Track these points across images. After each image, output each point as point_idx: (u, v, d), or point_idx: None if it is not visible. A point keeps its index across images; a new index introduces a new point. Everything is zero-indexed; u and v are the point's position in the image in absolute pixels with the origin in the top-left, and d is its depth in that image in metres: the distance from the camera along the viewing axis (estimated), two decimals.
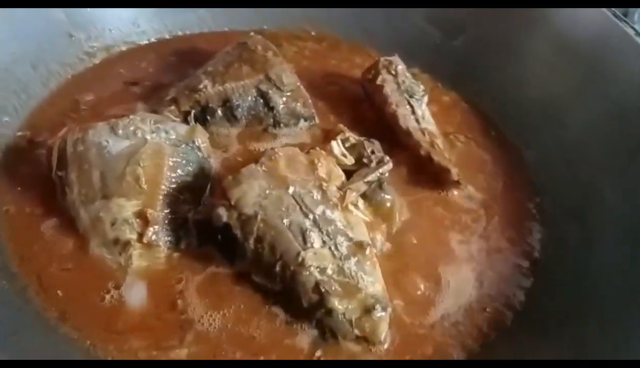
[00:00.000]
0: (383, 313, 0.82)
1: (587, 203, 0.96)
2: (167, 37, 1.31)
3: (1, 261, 0.82)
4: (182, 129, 0.96)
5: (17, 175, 0.94)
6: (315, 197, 0.89)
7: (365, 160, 0.99)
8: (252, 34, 1.22)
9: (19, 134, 1.01)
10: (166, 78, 1.19)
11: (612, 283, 0.83)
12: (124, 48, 1.25)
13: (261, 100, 1.10)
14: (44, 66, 1.12)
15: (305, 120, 1.13)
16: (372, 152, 1.00)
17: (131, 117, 0.91)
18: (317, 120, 1.14)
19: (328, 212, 0.88)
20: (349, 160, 0.99)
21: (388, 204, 0.98)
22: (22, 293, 0.79)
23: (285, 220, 0.85)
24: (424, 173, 1.06)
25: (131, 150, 0.89)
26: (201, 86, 1.08)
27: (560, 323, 0.81)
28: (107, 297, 0.80)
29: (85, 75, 1.17)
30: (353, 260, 0.85)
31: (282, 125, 1.11)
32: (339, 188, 0.93)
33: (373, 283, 0.85)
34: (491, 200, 1.04)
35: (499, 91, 1.24)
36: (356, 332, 0.81)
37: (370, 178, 0.95)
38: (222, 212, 0.85)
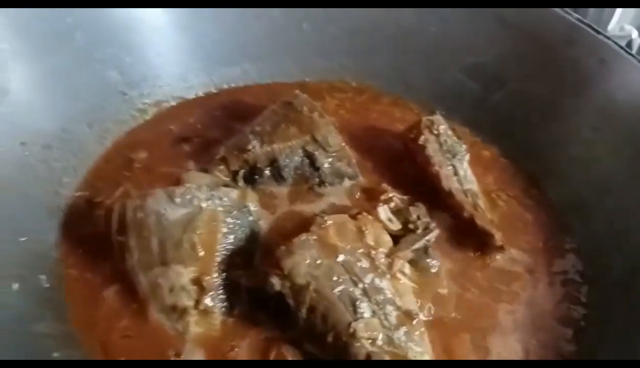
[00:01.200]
0: None
1: (635, 273, 0.97)
2: (214, 90, 1.35)
3: (66, 327, 0.85)
4: (235, 194, 0.99)
5: (79, 236, 0.98)
6: (363, 266, 0.91)
7: (411, 226, 1.02)
8: (296, 91, 1.25)
9: (78, 194, 1.05)
10: (214, 134, 1.23)
11: None
12: (173, 103, 1.29)
13: (307, 161, 1.13)
14: (98, 125, 1.16)
15: (350, 178, 1.15)
16: (418, 218, 1.02)
17: (187, 185, 0.95)
18: (360, 178, 1.16)
19: (377, 281, 0.91)
20: (395, 226, 1.02)
21: (434, 270, 1.00)
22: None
23: (336, 291, 0.88)
24: (466, 234, 1.07)
25: (188, 217, 0.93)
26: (250, 146, 1.12)
27: None
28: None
29: (138, 132, 1.21)
30: (402, 330, 0.87)
31: (326, 184, 1.14)
32: (387, 256, 0.95)
33: (422, 354, 0.87)
34: (534, 263, 1.06)
35: (540, 148, 1.25)
36: None
37: (417, 245, 0.97)
38: (276, 282, 0.88)
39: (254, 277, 0.93)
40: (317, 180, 1.14)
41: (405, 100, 1.40)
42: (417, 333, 0.89)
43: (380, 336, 0.86)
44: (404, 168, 1.21)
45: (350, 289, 0.88)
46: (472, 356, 0.90)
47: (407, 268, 0.98)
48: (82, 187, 1.07)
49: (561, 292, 1.02)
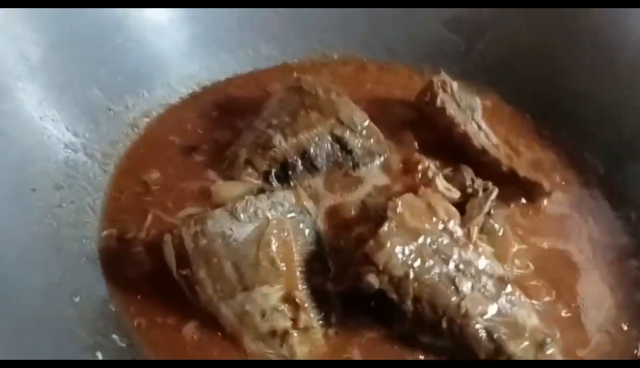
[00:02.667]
0: (554, 348, 0.83)
1: None
2: (197, 89, 1.23)
3: None
4: (290, 196, 0.91)
5: (128, 281, 0.87)
6: (446, 242, 0.88)
7: (469, 190, 0.99)
8: (295, 75, 1.18)
9: (105, 233, 0.93)
10: (220, 136, 1.13)
11: None
12: (161, 110, 1.16)
13: (337, 145, 1.06)
14: (97, 151, 1.03)
15: (379, 155, 1.11)
16: (472, 181, 1.00)
17: (246, 197, 0.86)
18: (389, 153, 1.12)
19: (463, 254, 0.88)
20: (455, 194, 0.99)
21: (500, 231, 0.98)
22: None
23: (433, 274, 0.84)
24: (508, 188, 1.07)
25: (258, 232, 0.84)
26: (274, 142, 1.03)
27: None
28: None
29: (138, 150, 1.08)
30: (503, 297, 0.86)
31: (360, 165, 1.08)
32: (461, 226, 0.92)
33: (529, 315, 0.86)
34: (578, 200, 1.07)
35: (537, 89, 1.26)
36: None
37: (486, 208, 0.95)
38: (373, 280, 0.82)
39: (343, 280, 0.86)
40: (350, 163, 1.08)
41: (393, 65, 1.35)
42: (515, 296, 0.87)
43: (488, 309, 0.83)
44: (423, 134, 1.17)
45: (445, 269, 0.85)
46: (562, 307, 0.90)
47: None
48: (106, 225, 0.94)
49: (613, 220, 1.04)
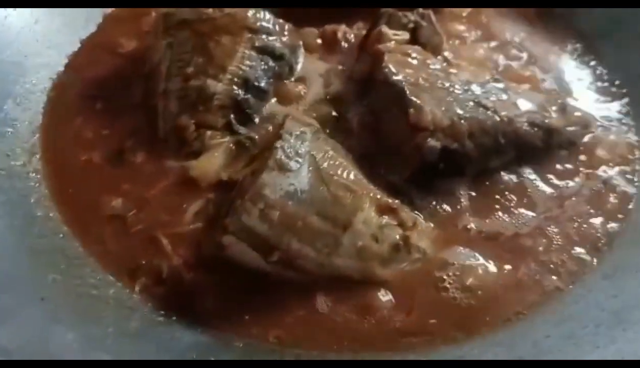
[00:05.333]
0: (564, 101, 0.92)
1: None
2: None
3: None
4: (294, 123, 0.81)
5: (223, 316, 0.72)
6: (442, 76, 0.90)
7: (411, 25, 0.98)
8: (153, 14, 1.01)
9: (138, 288, 0.74)
10: (132, 122, 0.93)
11: None
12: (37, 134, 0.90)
13: (267, 56, 0.96)
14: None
15: (299, 46, 1.03)
16: (406, 17, 0.99)
17: (277, 144, 0.74)
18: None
19: (460, 77, 0.91)
20: (404, 35, 0.97)
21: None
22: None
23: (463, 106, 0.85)
24: None
25: (314, 171, 0.75)
26: (211, 89, 0.89)
27: None
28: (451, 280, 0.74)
29: (67, 190, 0.85)
30: (510, 92, 0.91)
31: (294, 65, 1.00)
32: (435, 57, 0.94)
33: (531, 93, 0.95)
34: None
35: None
36: (576, 129, 0.91)
37: (439, 30, 0.98)
38: (433, 142, 0.81)
39: (405, 163, 0.83)
40: (287, 68, 0.98)
41: None
42: (511, 86, 0.93)
43: (513, 106, 0.89)
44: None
45: (464, 97, 0.87)
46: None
47: None
48: (132, 284, 0.75)
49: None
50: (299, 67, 1.00)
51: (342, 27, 1.05)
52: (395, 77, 0.84)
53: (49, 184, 0.83)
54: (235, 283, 0.73)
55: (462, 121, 0.83)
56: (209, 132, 0.88)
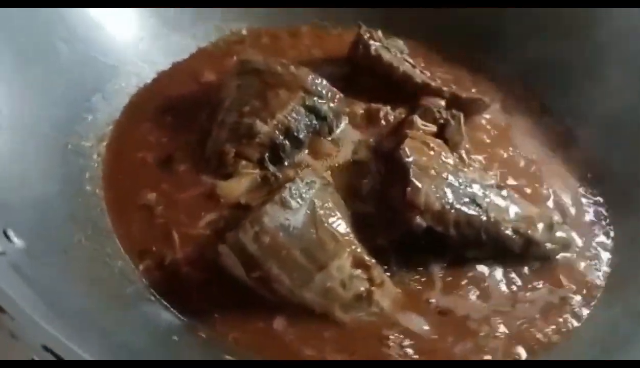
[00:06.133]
0: (559, 219, 1.01)
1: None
2: (134, 100, 1.18)
3: None
4: (311, 173, 0.96)
5: (195, 306, 0.85)
6: (452, 170, 1.01)
7: (441, 121, 1.11)
8: (235, 58, 1.19)
9: (142, 268, 0.89)
10: (189, 139, 1.11)
11: None
12: (112, 128, 1.10)
13: (312, 115, 1.11)
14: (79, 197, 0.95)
15: (345, 114, 1.18)
16: (439, 112, 1.13)
17: (287, 185, 0.88)
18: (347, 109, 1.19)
19: (467, 176, 1.02)
20: (432, 128, 1.10)
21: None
22: None
23: (458, 199, 0.96)
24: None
25: (310, 214, 0.88)
26: (257, 129, 1.05)
27: None
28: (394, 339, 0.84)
29: (116, 178, 1.02)
30: (508, 200, 1.01)
31: (334, 128, 1.14)
32: (452, 153, 1.06)
33: (528, 206, 1.03)
34: (509, 106, 1.26)
35: (433, 20, 1.40)
36: (555, 247, 0.99)
37: (464, 131, 1.10)
38: (420, 220, 0.92)
39: (393, 231, 0.94)
40: (326, 129, 1.13)
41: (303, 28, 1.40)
42: (513, 197, 1.03)
43: (505, 212, 0.98)
44: (366, 83, 1.26)
45: (463, 192, 0.98)
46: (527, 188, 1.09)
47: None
48: (138, 261, 0.90)
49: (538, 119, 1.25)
50: (338, 130, 1.14)
51: (386, 108, 1.19)
52: (406, 159, 0.97)
53: (104, 167, 1.01)
54: (219, 285, 0.86)
55: (452, 210, 0.94)
56: (244, 162, 1.04)
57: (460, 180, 0.98)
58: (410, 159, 0.96)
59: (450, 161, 1.03)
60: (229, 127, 1.07)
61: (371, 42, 1.24)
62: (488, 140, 1.17)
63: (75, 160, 0.98)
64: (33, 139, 0.92)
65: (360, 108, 1.20)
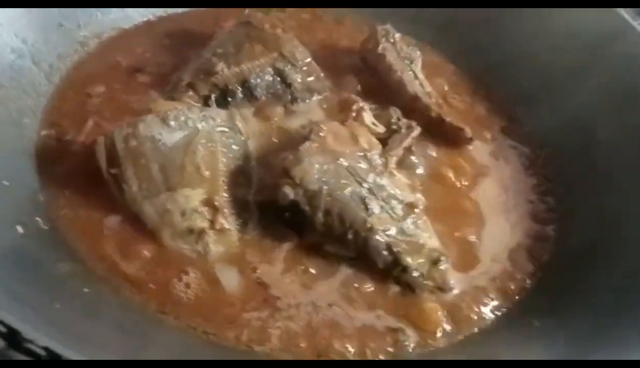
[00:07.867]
0: (447, 264, 0.91)
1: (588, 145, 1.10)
2: (153, 18, 1.28)
3: (83, 265, 0.81)
4: (224, 114, 0.97)
5: (60, 176, 0.92)
6: (363, 167, 0.96)
7: (394, 127, 1.06)
8: (247, 11, 1.23)
9: (44, 133, 0.98)
10: (167, 62, 1.18)
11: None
12: (113, 33, 1.21)
13: (278, 78, 1.12)
14: (44, 61, 1.07)
15: (318, 93, 1.17)
16: (398, 119, 1.07)
17: (178, 107, 0.92)
18: (327, 93, 1.18)
19: (378, 179, 0.95)
20: (380, 129, 1.06)
21: (418, 167, 1.06)
22: (117, 292, 0.79)
23: (346, 192, 0.91)
24: (434, 133, 1.14)
25: (186, 140, 0.90)
26: (217, 69, 1.08)
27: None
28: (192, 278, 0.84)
29: (85, 66, 1.13)
30: (409, 220, 0.93)
31: (299, 100, 1.14)
32: (380, 156, 0.99)
33: (430, 238, 0.94)
34: (498, 150, 1.15)
35: (481, 51, 1.33)
36: (429, 283, 0.89)
37: (406, 143, 1.03)
38: (289, 191, 0.89)
39: (262, 191, 0.93)
40: (289, 97, 1.13)
41: (346, 18, 1.41)
42: (421, 221, 0.95)
43: (392, 228, 0.91)
44: (364, 79, 1.23)
45: (357, 189, 0.92)
46: (471, 235, 0.99)
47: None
48: (45, 126, 0.99)
49: (526, 170, 1.13)
50: (303, 105, 1.15)
51: (363, 104, 1.16)
52: (312, 135, 0.95)
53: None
54: (85, 172, 0.92)
55: (329, 197, 0.90)
56: (190, 92, 1.09)
57: (365, 179, 0.93)
58: (313, 136, 0.94)
59: (372, 159, 0.98)
60: (199, 61, 1.13)
61: (383, 40, 1.22)
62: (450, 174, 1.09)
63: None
64: None
65: (338, 96, 1.18)
